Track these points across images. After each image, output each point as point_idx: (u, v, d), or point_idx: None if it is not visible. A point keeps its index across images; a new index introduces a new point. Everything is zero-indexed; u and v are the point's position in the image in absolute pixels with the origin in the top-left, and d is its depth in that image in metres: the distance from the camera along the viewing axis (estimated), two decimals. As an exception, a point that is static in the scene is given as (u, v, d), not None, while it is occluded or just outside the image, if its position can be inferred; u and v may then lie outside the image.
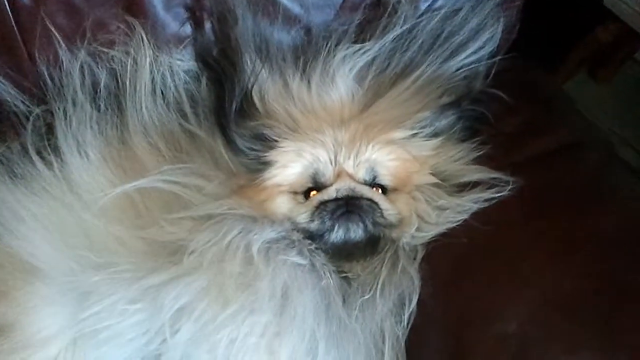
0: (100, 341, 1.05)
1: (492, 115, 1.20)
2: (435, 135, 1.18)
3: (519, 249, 1.04)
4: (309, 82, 1.24)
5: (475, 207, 1.10)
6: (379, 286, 1.06)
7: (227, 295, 1.01)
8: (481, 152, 1.17)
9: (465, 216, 1.10)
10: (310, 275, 1.05)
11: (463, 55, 1.25)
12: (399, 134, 1.16)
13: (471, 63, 1.25)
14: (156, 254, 1.08)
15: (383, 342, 1.04)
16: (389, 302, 1.06)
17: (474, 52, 1.26)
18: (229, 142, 1.16)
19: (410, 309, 1.06)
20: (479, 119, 1.21)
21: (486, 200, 1.10)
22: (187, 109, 1.22)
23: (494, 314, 1.00)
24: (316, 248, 1.09)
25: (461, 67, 1.25)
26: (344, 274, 1.09)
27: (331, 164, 1.13)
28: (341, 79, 1.24)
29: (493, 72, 1.26)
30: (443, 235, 1.10)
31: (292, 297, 1.02)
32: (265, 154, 1.15)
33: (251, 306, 1.01)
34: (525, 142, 1.19)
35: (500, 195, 1.09)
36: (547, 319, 0.97)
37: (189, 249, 1.03)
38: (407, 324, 1.06)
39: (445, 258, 1.09)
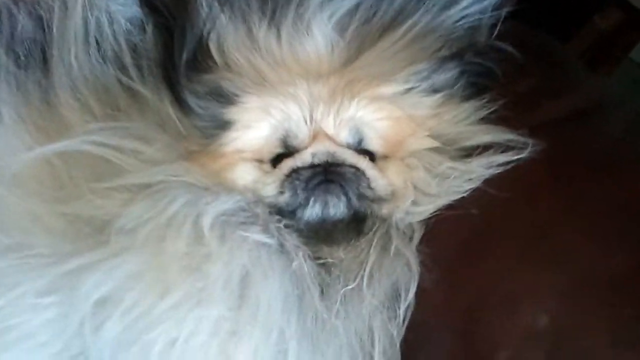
0: (7, 344, 0.87)
1: (501, 73, 1.02)
2: (434, 91, 1.00)
3: (545, 223, 0.88)
4: (278, 30, 1.05)
5: (487, 172, 0.93)
6: (367, 274, 0.89)
7: (166, 281, 0.83)
8: (490, 112, 1.00)
9: (474, 184, 0.93)
10: (277, 258, 0.87)
11: (463, 4, 1.06)
12: (389, 88, 0.99)
13: (473, 14, 1.06)
14: (79, 233, 0.92)
15: (372, 344, 0.87)
16: (380, 293, 0.89)
17: (476, 1, 1.06)
18: (179, 100, 0.98)
19: (407, 302, 0.89)
20: (486, 75, 1.03)
21: (501, 164, 0.93)
22: (128, 61, 1.03)
23: (519, 305, 0.84)
24: (286, 226, 0.91)
25: (462, 18, 1.06)
26: (322, 260, 0.91)
27: (306, 122, 0.96)
28: (318, 28, 1.05)
29: (499, 29, 1.11)
30: (447, 208, 0.93)
31: (253, 284, 0.85)
32: (223, 112, 0.97)
33: (199, 296, 0.83)
34: (540, 103, 1.03)
35: (518, 159, 0.92)
36: (585, 308, 0.82)
37: (118, 225, 0.85)
38: (403, 320, 0.89)
39: (451, 236, 0.92)
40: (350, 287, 0.88)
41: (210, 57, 1.01)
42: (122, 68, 1.03)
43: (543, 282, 0.83)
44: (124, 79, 1.02)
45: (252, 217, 0.89)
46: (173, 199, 0.87)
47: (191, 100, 0.97)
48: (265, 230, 0.89)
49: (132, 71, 1.02)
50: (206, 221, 0.86)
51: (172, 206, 0.87)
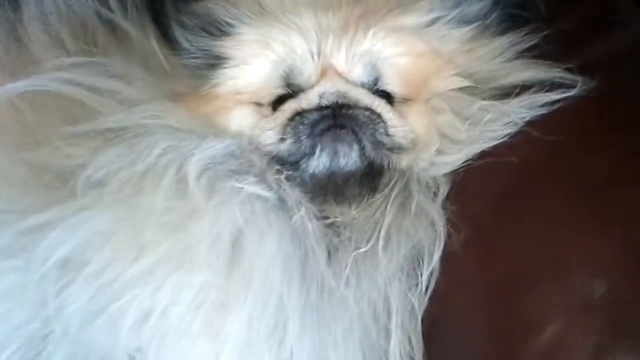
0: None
1: (543, 4, 0.93)
2: (464, 22, 0.91)
3: (603, 173, 0.76)
4: (281, -49, 0.96)
5: (529, 114, 0.82)
6: (383, 235, 0.79)
7: (141, 241, 0.73)
8: (531, 48, 0.89)
9: (514, 128, 0.82)
10: (276, 214, 0.78)
11: None
12: (411, 18, 0.89)
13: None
14: (42, 185, 0.81)
15: (388, 316, 0.78)
16: (398, 257, 0.79)
17: None
18: (165, 35, 0.90)
19: (431, 268, 0.79)
20: (525, 6, 0.93)
21: (545, 104, 0.82)
22: None
23: (570, 271, 0.71)
24: (287, 178, 0.81)
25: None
26: (330, 220, 0.82)
27: (312, 57, 0.86)
28: (328, -51, 0.95)
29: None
30: (481, 156, 0.82)
31: (247, 245, 0.75)
32: (215, 46, 0.89)
33: (180, 258, 0.73)
34: (589, 39, 0.93)
35: (567, 98, 0.81)
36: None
37: (86, 174, 0.76)
38: (426, 289, 0.79)
39: (486, 189, 0.81)
40: (362, 250, 0.78)
41: (202, -16, 0.92)
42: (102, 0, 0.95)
43: (600, 243, 0.71)
44: (103, 11, 0.94)
45: (247, 165, 0.80)
46: (152, 144, 0.78)
47: (179, 34, 0.90)
48: (262, 181, 0.79)
49: (113, 2, 0.94)
50: (191, 169, 0.76)
51: (150, 152, 0.77)
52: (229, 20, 0.89)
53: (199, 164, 0.77)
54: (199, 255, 0.73)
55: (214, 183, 0.76)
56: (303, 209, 0.78)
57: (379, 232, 0.80)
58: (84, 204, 0.75)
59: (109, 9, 0.94)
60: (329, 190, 0.84)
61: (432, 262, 0.79)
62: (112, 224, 0.74)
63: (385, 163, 0.85)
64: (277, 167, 0.82)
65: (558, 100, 0.81)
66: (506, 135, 0.82)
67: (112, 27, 0.94)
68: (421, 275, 0.79)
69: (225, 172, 0.78)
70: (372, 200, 0.84)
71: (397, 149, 0.85)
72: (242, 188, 0.77)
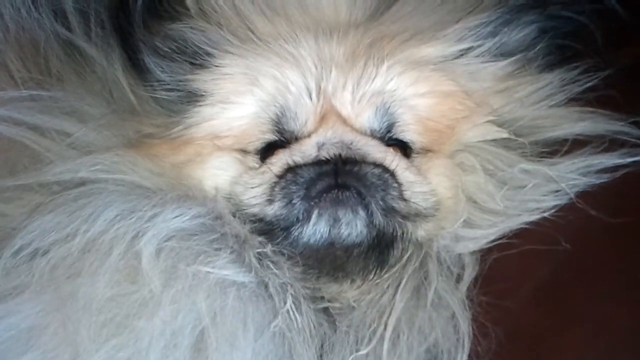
0: None
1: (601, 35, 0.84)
2: (501, 55, 0.82)
3: None
4: (278, -35, 0.87)
5: (582, 182, 0.73)
6: (389, 331, 0.69)
7: (75, 343, 0.61)
8: (586, 90, 0.80)
9: (562, 200, 0.72)
10: (255, 307, 0.67)
11: None
12: (436, 49, 0.81)
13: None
14: None
15: None
16: None
17: None
18: (133, 60, 0.82)
19: None
20: (579, 36, 0.84)
21: (605, 170, 0.73)
22: (70, 9, 0.86)
23: None
24: (274, 252, 0.71)
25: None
26: (324, 304, 0.73)
27: (310, 96, 0.78)
28: (335, -37, 0.87)
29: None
30: (519, 234, 0.72)
31: (212, 351, 0.64)
32: (191, 79, 0.80)
33: None
34: None
35: (635, 162, 0.71)
36: None
37: (14, 247, 0.65)
38: None
39: (525, 279, 0.70)
40: (362, 352, 0.68)
41: (181, 1, 0.85)
42: (62, 18, 0.87)
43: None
44: (61, 29, 0.86)
45: (219, 239, 0.69)
46: (100, 209, 0.68)
47: (149, 60, 0.81)
48: (239, 259, 0.68)
49: (75, 22, 0.86)
50: (146, 247, 0.66)
51: (96, 220, 0.67)
52: (208, 48, 0.79)
53: (157, 240, 0.66)
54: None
55: (175, 265, 0.66)
56: (290, 299, 0.66)
57: (385, 326, 0.69)
58: (5, 288, 0.63)
59: (68, 27, 0.86)
60: (326, 265, 0.74)
61: (454, 373, 0.63)
62: (40, 317, 0.63)
63: (398, 233, 0.75)
64: (261, 237, 0.71)
65: (623, 166, 0.72)
66: (553, 208, 0.72)
67: (70, 50, 0.85)
68: (438, 390, 0.62)
69: (191, 252, 0.67)
70: (379, 280, 0.73)
71: (414, 216, 0.75)
72: (211, 273, 0.65)
